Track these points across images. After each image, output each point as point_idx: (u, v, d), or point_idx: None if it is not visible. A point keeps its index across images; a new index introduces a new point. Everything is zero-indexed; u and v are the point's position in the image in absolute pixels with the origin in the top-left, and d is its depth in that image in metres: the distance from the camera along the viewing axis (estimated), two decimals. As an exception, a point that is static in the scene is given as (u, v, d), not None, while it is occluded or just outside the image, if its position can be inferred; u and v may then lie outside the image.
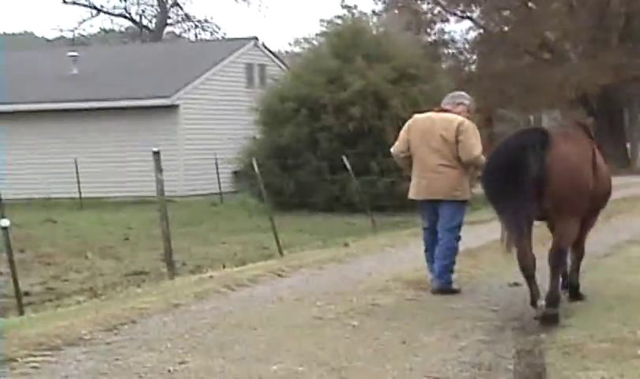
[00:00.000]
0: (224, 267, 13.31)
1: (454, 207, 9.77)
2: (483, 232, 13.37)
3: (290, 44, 76.27)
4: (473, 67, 48.30)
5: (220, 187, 30.12)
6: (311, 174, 23.39)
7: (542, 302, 8.02)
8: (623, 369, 6.22)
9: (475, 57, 49.00)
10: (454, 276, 9.76)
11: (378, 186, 21.49)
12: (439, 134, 9.54)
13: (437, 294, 9.43)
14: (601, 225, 11.00)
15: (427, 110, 10.30)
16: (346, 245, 14.37)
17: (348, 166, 17.84)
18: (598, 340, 7.05)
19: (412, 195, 10.12)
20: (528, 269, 8.23)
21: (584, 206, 8.36)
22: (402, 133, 9.97)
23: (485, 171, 8.80)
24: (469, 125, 9.63)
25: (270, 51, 39.04)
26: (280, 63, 37.65)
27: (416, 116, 10.07)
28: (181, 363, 6.77)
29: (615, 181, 10.08)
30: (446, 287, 9.53)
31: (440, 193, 9.68)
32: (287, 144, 24.06)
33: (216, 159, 30.10)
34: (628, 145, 48.21)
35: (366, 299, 9.13)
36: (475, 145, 9.55)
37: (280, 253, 13.86)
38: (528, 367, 6.57)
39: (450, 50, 49.14)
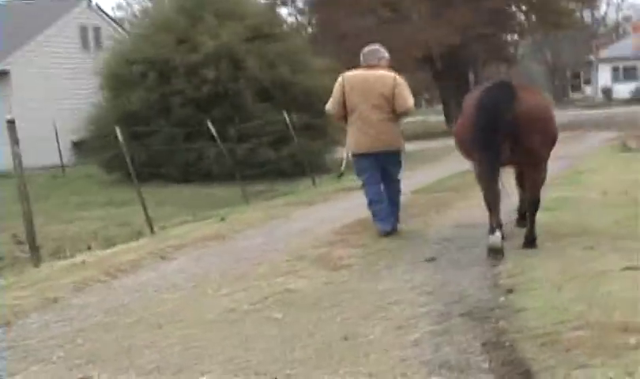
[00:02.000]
0: (89, 248, 11.85)
1: (398, 156, 10.53)
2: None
3: (113, 9, 72.80)
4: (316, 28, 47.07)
5: (61, 158, 28.03)
6: (164, 142, 21.61)
7: (496, 234, 8.65)
8: (627, 364, 5.26)
9: (315, 18, 47.73)
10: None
11: (237, 154, 20.07)
12: (379, 92, 10.11)
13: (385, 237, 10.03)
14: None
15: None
16: (222, 219, 13.10)
17: (213, 130, 16.35)
18: (572, 327, 6.07)
19: (353, 149, 10.54)
20: (494, 203, 8.83)
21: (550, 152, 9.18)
22: (335, 92, 10.36)
23: (470, 125, 8.96)
24: (401, 79, 10.32)
25: (105, 13, 36.93)
26: (116, 26, 35.59)
27: (347, 74, 10.37)
28: (84, 379, 5.45)
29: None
30: (395, 228, 10.44)
31: (385, 145, 10.25)
32: (136, 111, 22.27)
33: (56, 128, 28.02)
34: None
35: (276, 284, 7.95)
36: (408, 97, 10.24)
37: (151, 230, 12.44)
38: (506, 365, 5.52)
39: (290, 10, 48.02)
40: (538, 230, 9.23)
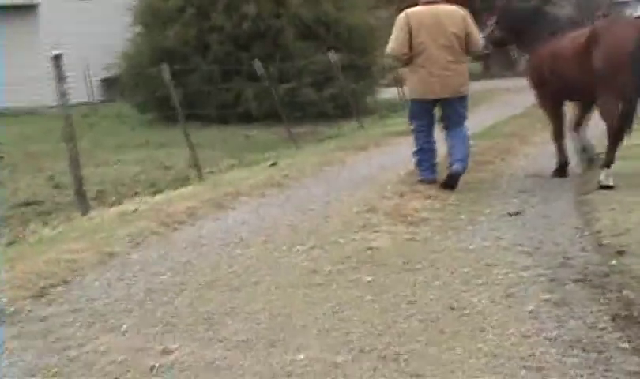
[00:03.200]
0: (135, 194, 11.18)
1: (464, 102, 9.68)
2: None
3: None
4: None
5: (92, 96, 27.23)
6: (201, 81, 20.69)
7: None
8: None
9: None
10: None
11: (278, 94, 19.22)
12: (450, 31, 9.31)
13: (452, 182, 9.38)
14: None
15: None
16: (274, 164, 12.36)
17: (259, 68, 15.46)
18: None
19: (418, 95, 9.63)
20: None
21: None
22: (399, 31, 9.35)
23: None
24: (469, 16, 9.52)
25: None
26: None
27: (412, 10, 9.39)
28: (164, 352, 4.78)
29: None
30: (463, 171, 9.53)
31: (452, 91, 9.46)
32: (172, 48, 21.32)
33: (88, 65, 27.21)
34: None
35: (354, 241, 7.24)
36: (479, 36, 9.64)
37: (200, 176, 11.71)
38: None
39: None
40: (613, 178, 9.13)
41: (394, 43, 9.39)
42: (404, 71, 9.68)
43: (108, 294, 5.99)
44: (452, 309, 5.38)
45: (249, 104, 19.93)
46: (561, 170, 10.23)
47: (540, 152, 10.76)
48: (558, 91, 9.97)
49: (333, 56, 18.24)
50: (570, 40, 9.58)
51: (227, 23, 21.35)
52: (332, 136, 17.10)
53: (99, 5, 30.78)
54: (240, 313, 5.44)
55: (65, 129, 9.42)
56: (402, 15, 9.35)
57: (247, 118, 20.15)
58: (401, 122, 18.50)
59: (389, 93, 24.73)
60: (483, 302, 5.50)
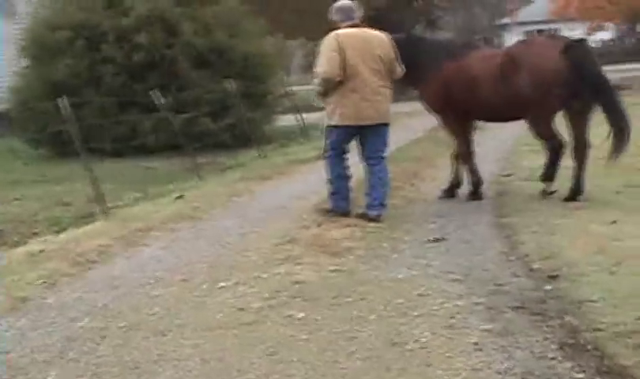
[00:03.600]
0: (35, 234, 10.65)
1: (387, 130, 9.30)
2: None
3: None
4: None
5: (-23, 132, 26.16)
6: (94, 114, 20.01)
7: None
8: None
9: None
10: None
11: (174, 124, 18.75)
12: (378, 54, 8.98)
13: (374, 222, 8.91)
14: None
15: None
16: (181, 196, 11.98)
17: (158, 98, 15.00)
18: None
19: (349, 121, 9.03)
20: None
21: None
22: (330, 53, 8.83)
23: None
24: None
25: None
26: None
27: (341, 33, 8.95)
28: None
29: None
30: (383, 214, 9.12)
31: (380, 117, 9.09)
32: (63, 80, 20.64)
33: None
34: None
35: (279, 275, 6.98)
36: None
37: (104, 211, 11.25)
38: (603, 375, 4.61)
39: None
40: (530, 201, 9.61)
41: (327, 65, 8.81)
42: (325, 97, 9.11)
43: (23, 344, 5.58)
44: (394, 344, 5.18)
45: (146, 136, 19.39)
46: (475, 193, 10.16)
47: (447, 175, 10.66)
48: (466, 112, 9.94)
49: (231, 84, 17.92)
50: (482, 61, 9.57)
51: (119, 54, 20.76)
52: (233, 166, 16.77)
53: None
54: (169, 359, 5.13)
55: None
56: (332, 36, 8.85)
57: (144, 150, 19.59)
58: (302, 150, 18.40)
59: (284, 121, 24.56)
60: (424, 334, 5.32)
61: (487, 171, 12.05)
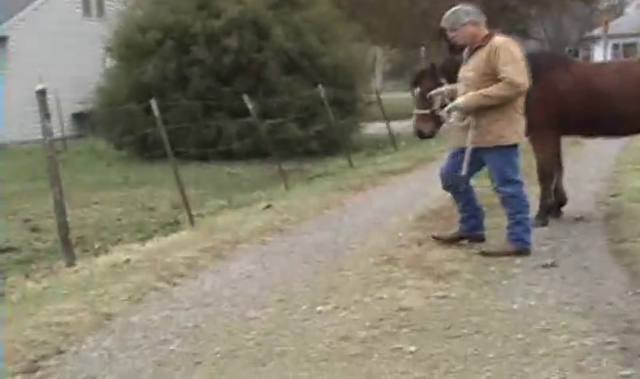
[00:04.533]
0: (119, 240, 10.31)
1: None
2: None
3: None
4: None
5: (62, 131, 26.21)
6: (181, 116, 19.73)
7: None
8: None
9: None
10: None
11: (260, 130, 18.34)
12: None
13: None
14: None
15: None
16: (269, 206, 11.52)
17: (248, 103, 14.52)
18: None
19: (522, 138, 7.88)
20: None
21: None
22: (522, 61, 7.53)
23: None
24: None
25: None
26: (121, -8, 33.74)
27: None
28: None
29: None
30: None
31: None
32: (150, 82, 20.43)
33: (57, 99, 26.25)
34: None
35: (383, 300, 6.43)
36: None
37: (190, 219, 10.83)
38: None
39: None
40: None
41: (525, 75, 7.51)
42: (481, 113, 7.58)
43: (111, 368, 5.14)
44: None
45: (231, 141, 19.05)
46: (544, 217, 9.39)
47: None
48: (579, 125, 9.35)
49: (321, 90, 17.46)
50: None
51: (208, 56, 20.51)
52: (321, 175, 16.30)
53: (69, 37, 29.88)
54: (269, 393, 4.62)
55: (50, 170, 8.54)
56: (514, 42, 7.72)
57: (228, 155, 19.28)
58: (392, 160, 17.84)
59: (371, 129, 24.06)
60: (553, 377, 4.71)
61: (592, 192, 11.39)
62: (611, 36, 64.81)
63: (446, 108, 7.87)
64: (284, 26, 20.94)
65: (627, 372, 4.76)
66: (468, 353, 5.17)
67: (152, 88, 19.86)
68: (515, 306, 6.16)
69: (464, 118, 7.68)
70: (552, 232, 8.94)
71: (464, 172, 7.69)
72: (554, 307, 6.11)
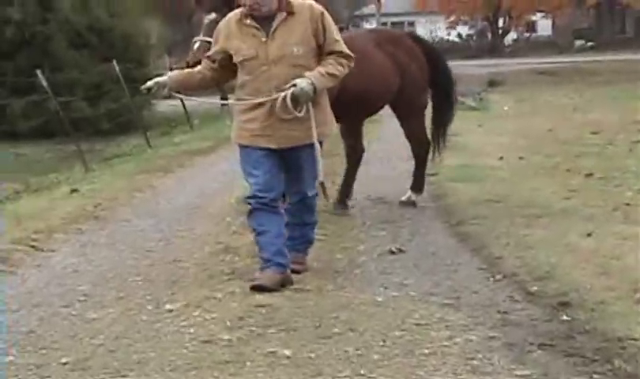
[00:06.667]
0: None
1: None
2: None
3: None
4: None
5: None
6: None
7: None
8: None
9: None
10: None
11: (48, 108, 17.10)
12: None
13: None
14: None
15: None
16: (75, 190, 10.65)
17: (44, 82, 13.48)
18: None
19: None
20: None
21: None
22: None
23: None
24: None
25: None
26: None
27: None
28: None
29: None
30: None
31: None
32: None
33: None
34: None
35: (235, 294, 5.87)
36: None
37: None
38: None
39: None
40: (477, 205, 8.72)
41: None
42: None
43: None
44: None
45: (16, 120, 17.75)
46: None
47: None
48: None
49: (115, 66, 16.48)
50: None
51: (-13, 28, 19.09)
52: (119, 155, 15.45)
53: None
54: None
55: None
56: None
57: (12, 135, 17.96)
58: (190, 139, 17.19)
59: (161, 106, 23.27)
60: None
61: (408, 171, 11.09)
62: (386, 15, 66.61)
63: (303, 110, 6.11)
64: (71, -2, 19.80)
65: (524, 372, 4.44)
66: (351, 355, 4.71)
67: None
68: (379, 299, 5.76)
69: (301, 108, 6.09)
70: (386, 215, 8.64)
71: (321, 177, 6.30)
72: (419, 298, 5.77)
